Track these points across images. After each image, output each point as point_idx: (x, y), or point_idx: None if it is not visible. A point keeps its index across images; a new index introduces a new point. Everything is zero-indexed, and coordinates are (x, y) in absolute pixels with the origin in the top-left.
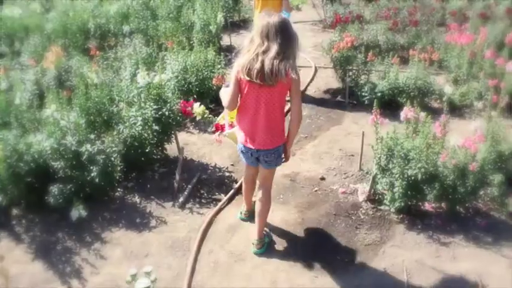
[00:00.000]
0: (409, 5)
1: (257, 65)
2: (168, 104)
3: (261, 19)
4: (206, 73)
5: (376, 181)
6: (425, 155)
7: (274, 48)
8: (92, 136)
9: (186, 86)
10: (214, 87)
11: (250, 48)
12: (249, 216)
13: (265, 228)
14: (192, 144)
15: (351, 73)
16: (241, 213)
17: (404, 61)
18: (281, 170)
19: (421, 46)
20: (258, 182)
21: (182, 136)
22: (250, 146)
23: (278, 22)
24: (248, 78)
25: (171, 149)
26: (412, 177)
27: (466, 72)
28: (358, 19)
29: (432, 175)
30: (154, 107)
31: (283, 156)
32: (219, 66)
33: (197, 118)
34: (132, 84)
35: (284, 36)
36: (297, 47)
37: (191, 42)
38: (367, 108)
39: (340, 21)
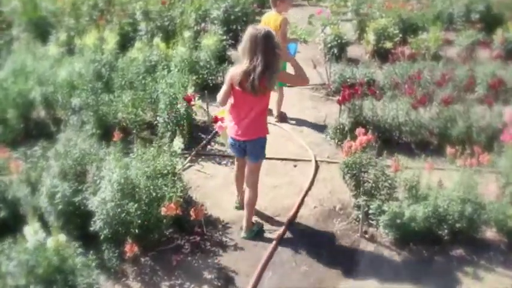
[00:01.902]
0: (430, 67)
1: (249, 81)
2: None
3: (249, 30)
4: (155, 193)
5: None
6: None
7: (261, 64)
8: None
9: (124, 216)
10: (165, 219)
11: (242, 61)
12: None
13: (254, 219)
14: None
15: (366, 184)
16: (236, 202)
17: (436, 151)
18: None
19: (456, 134)
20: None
21: None
22: (237, 138)
23: (263, 35)
24: (241, 90)
25: None
26: None
27: None
28: (372, 94)
29: None
30: None
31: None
32: (175, 178)
33: (195, 109)
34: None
35: (269, 49)
36: (279, 56)
37: (155, 122)
38: (391, 244)
39: (348, 97)
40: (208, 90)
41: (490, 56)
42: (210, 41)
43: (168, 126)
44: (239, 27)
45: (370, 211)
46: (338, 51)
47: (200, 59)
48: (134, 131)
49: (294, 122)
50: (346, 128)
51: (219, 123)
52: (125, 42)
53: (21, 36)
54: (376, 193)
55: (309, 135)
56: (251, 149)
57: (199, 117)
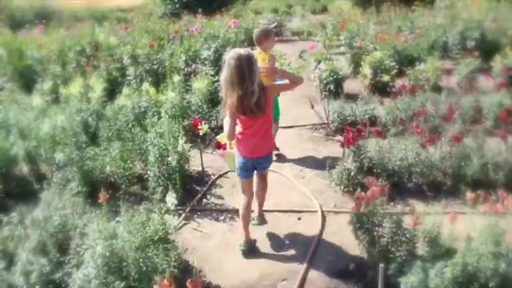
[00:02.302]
0: (432, 99)
1: (245, 106)
2: None
3: (231, 57)
4: (145, 267)
5: None
6: None
7: (250, 87)
8: None
9: None
10: None
11: (233, 89)
12: (250, 247)
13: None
14: None
15: (381, 239)
16: (240, 245)
17: (450, 192)
18: None
19: (471, 172)
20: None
21: None
22: (251, 156)
23: (246, 59)
24: (243, 116)
25: None
26: None
27: None
28: (378, 134)
29: None
30: None
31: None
32: (168, 245)
33: (200, 133)
34: None
35: (254, 71)
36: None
37: (145, 176)
38: None
39: (353, 140)
40: (201, 136)
41: (491, 84)
42: (201, 83)
43: (160, 181)
44: None
45: (389, 271)
46: (334, 87)
47: (192, 103)
48: (123, 186)
49: (294, 165)
50: (352, 173)
51: (221, 150)
52: (114, 88)
53: (6, 86)
54: (393, 249)
55: (311, 181)
56: (263, 163)
57: (193, 166)
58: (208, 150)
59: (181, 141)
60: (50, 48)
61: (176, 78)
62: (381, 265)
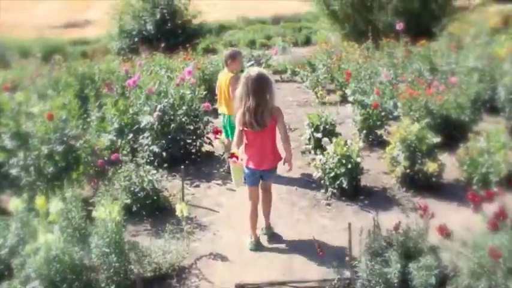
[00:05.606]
0: None
1: (248, 120)
2: None
3: (243, 75)
4: None
5: None
6: None
7: (255, 103)
8: None
9: None
10: None
11: (241, 104)
12: (256, 245)
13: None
14: None
15: None
16: (248, 243)
17: None
18: None
19: None
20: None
21: None
22: (258, 168)
23: (253, 78)
24: (246, 129)
25: None
26: None
27: None
28: None
29: None
30: None
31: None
32: None
33: (218, 142)
34: None
35: (261, 88)
36: (273, 89)
37: None
38: None
39: None
40: None
41: None
42: (106, 213)
43: None
44: (189, 145)
45: None
46: (348, 183)
47: (91, 249)
48: None
49: None
50: None
51: (233, 159)
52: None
53: None
54: None
55: None
56: (269, 174)
57: None
58: None
59: None
60: None
61: (56, 204)
62: None
